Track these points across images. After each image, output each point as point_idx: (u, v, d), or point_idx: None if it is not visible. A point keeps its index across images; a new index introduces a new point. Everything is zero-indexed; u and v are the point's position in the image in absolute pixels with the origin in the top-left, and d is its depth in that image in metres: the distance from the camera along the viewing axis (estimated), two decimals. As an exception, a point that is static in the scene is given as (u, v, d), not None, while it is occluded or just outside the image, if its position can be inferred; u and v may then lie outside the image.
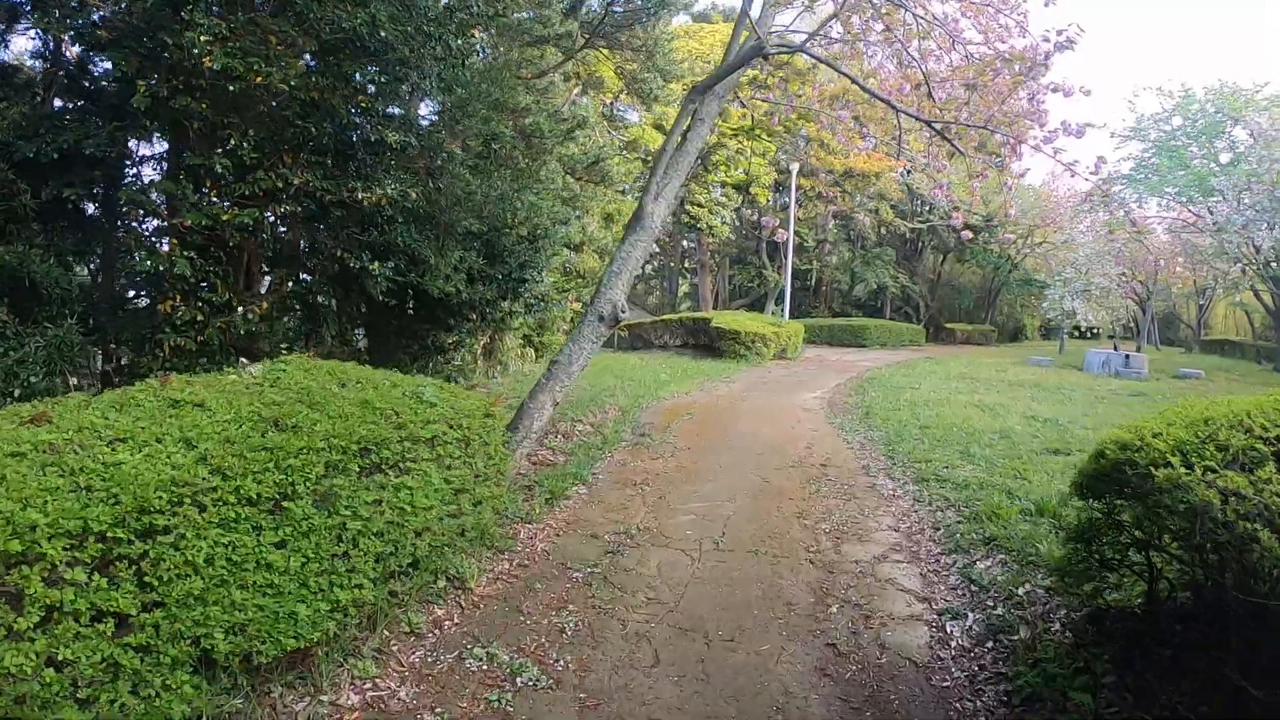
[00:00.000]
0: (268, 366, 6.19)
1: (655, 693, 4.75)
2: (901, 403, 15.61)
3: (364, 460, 4.92)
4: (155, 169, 10.35)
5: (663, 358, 25.39)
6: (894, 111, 11.13)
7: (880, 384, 19.30)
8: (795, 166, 31.83)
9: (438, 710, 4.52)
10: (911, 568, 6.77)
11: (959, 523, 7.79)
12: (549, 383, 7.53)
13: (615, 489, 9.07)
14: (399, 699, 4.63)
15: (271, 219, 9.64)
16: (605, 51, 18.63)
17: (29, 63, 10.88)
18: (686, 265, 52.41)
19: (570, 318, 28.90)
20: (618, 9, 16.38)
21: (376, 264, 9.78)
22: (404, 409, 5.59)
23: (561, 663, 5.11)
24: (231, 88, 7.89)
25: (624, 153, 29.10)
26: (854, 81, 9.25)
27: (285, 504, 4.23)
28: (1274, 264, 29.89)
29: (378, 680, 4.79)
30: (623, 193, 29.18)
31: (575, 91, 20.70)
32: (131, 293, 10.76)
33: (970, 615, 5.83)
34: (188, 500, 3.78)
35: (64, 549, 3.31)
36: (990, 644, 5.43)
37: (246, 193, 8.61)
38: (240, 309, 9.78)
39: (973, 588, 6.30)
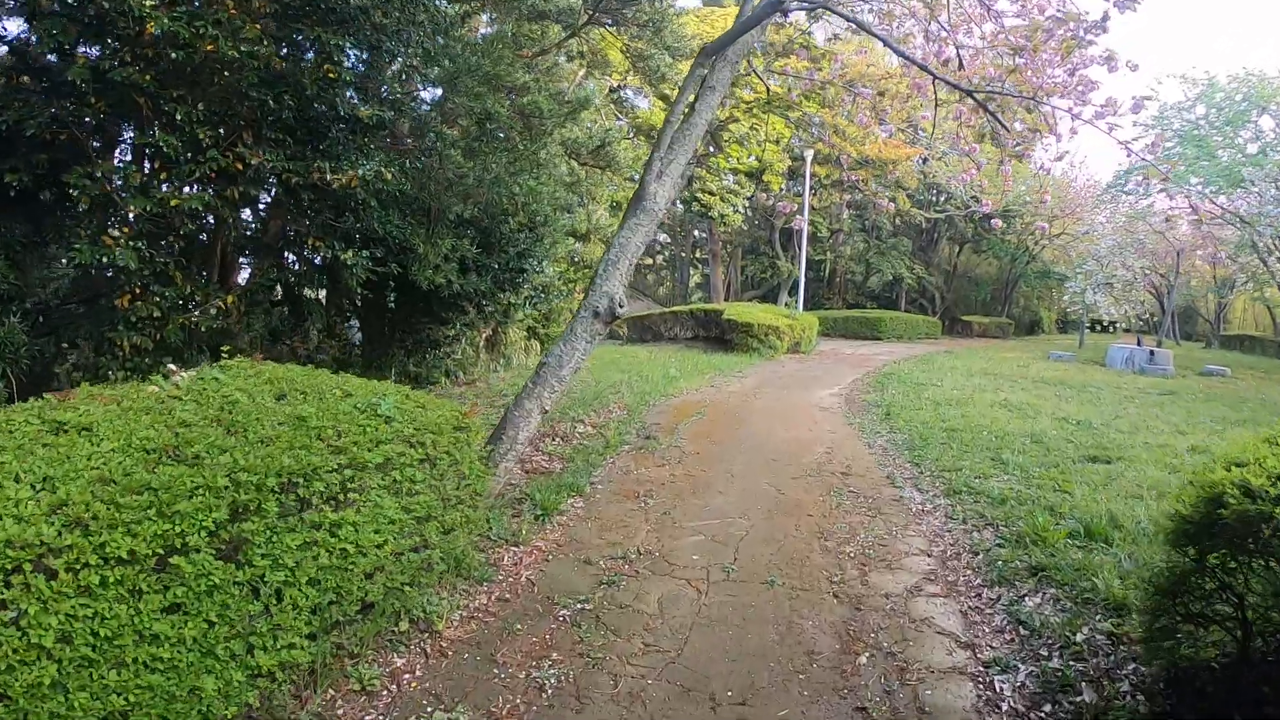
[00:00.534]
0: (199, 374, 5.34)
1: (648, 779, 3.89)
2: (923, 401, 14.70)
3: (288, 496, 4.04)
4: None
5: (672, 351, 24.50)
6: (918, 91, 10.28)
7: (899, 380, 18.37)
8: (810, 153, 30.85)
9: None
10: (949, 603, 5.87)
11: (999, 546, 6.90)
12: (536, 388, 6.63)
13: (615, 502, 8.19)
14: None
15: (236, 204, 8.70)
16: (611, 32, 17.71)
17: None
18: (699, 255, 51.50)
19: (578, 309, 28.11)
20: (623, -20, 15.52)
21: (351, 253, 8.91)
22: (350, 427, 4.72)
23: (537, 735, 4.25)
24: (175, 55, 7.02)
25: (633, 137, 28.19)
26: (884, 42, 8.29)
27: (174, 559, 3.36)
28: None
29: (310, 761, 3.93)
30: (631, 179, 28.31)
31: (581, 74, 19.82)
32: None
33: (1022, 668, 4.93)
34: (29, 567, 2.91)
35: None
36: (1048, 708, 4.53)
37: (199, 175, 7.74)
38: (206, 304, 8.97)
39: (1022, 631, 5.39)
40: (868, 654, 5.08)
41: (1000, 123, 8.23)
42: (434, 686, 4.66)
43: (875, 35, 8.32)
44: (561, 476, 8.87)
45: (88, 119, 7.98)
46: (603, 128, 17.61)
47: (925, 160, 36.27)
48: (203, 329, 8.90)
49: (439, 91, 11.80)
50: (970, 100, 8.19)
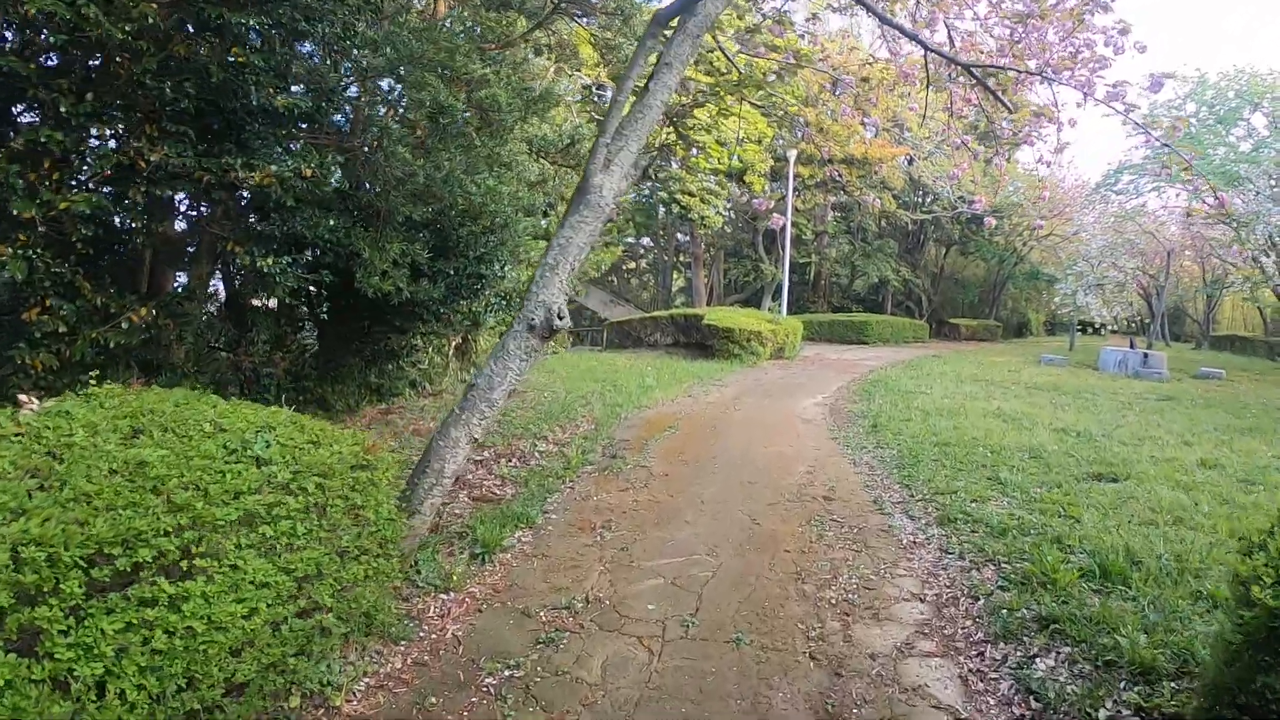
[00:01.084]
0: (55, 405, 4.43)
1: None
2: (912, 411, 13.83)
3: (101, 570, 3.14)
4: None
5: (651, 358, 23.63)
6: (906, 79, 9.46)
7: (886, 388, 17.49)
8: (793, 153, 30.03)
9: None
10: (947, 665, 4.98)
11: (1002, 589, 6.02)
12: (464, 414, 5.70)
13: (568, 535, 7.28)
14: None
15: (141, 207, 7.73)
16: (580, 24, 16.84)
17: None
18: (681, 260, 50.66)
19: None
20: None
21: (270, 259, 7.97)
22: (206, 475, 3.82)
23: None
24: (53, 39, 6.11)
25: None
26: (869, 9, 7.41)
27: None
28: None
29: None
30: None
31: (551, 70, 18.92)
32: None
33: (1038, 757, 4.07)
34: None
35: None
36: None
37: (93, 175, 6.81)
38: (122, 317, 8.07)
39: (1034, 703, 4.51)
40: (850, 738, 4.20)
41: (1001, 101, 7.35)
42: (315, 790, 3.77)
43: (862, 2, 7.43)
44: (511, 505, 7.96)
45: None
46: (573, 125, 16.65)
47: (911, 161, 35.63)
48: (114, 345, 7.98)
49: (388, 83, 10.89)
50: (964, 82, 7.34)
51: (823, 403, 15.55)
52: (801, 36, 9.77)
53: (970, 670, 4.91)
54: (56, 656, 2.90)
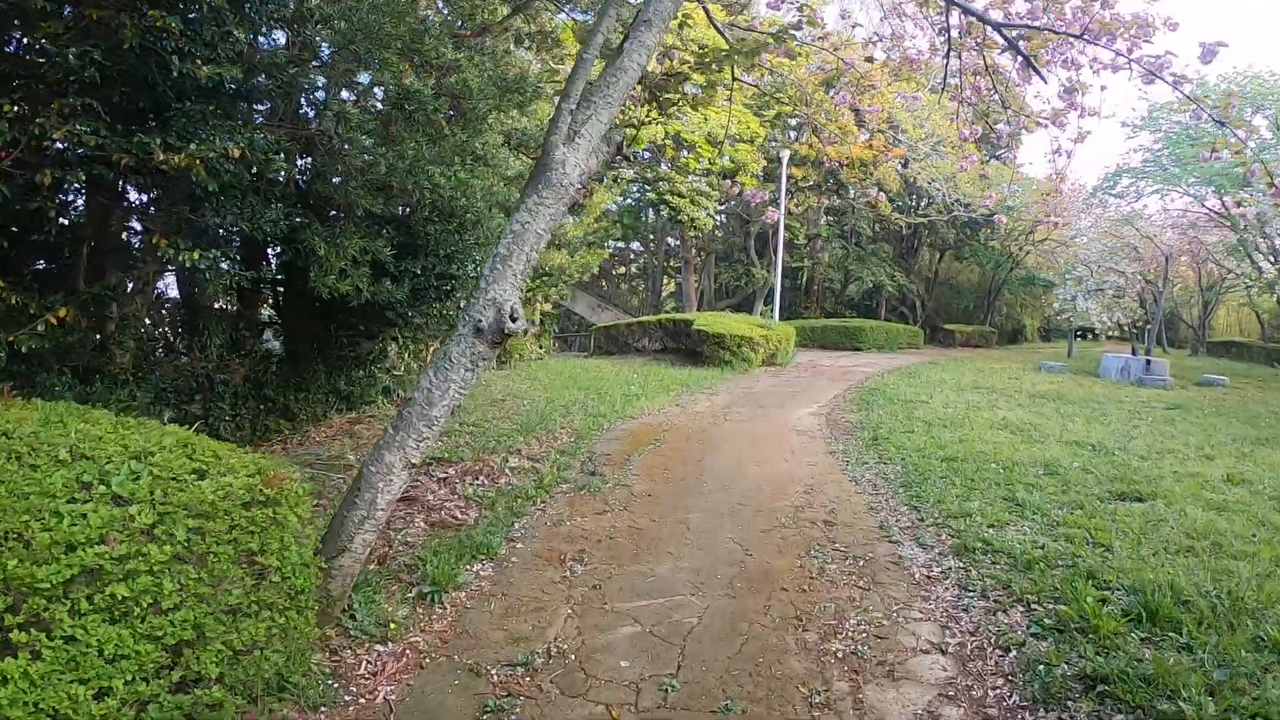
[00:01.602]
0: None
1: None
2: (914, 422, 12.95)
3: None
4: None
5: (639, 364, 22.74)
6: (913, 65, 8.66)
7: (885, 396, 16.59)
8: (785, 154, 29.22)
9: None
10: (980, 741, 4.12)
11: (1035, 637, 5.16)
12: (398, 435, 4.76)
13: (534, 569, 6.39)
14: None
15: (49, 191, 6.80)
16: (565, 12, 15.96)
17: None
18: (671, 264, 49.81)
19: (539, 320, 26.30)
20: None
21: (197, 253, 7.05)
22: (37, 519, 2.95)
23: None
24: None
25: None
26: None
27: None
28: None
29: None
30: (598, 179, 26.57)
31: (536, 63, 18.05)
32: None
33: None
34: None
35: None
36: None
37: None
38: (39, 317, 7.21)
39: (1093, 796, 3.66)
40: None
41: (1034, 68, 6.47)
42: None
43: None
44: (473, 531, 7.09)
45: None
46: (555, 118, 15.74)
47: (906, 164, 34.84)
48: (26, 350, 7.09)
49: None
50: (984, 51, 6.49)
51: (818, 413, 14.67)
52: (799, 22, 8.92)
53: (1009, 749, 4.04)
54: None
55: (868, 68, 8.68)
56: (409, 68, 10.09)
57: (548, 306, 27.01)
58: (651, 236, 47.89)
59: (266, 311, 13.20)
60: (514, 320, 4.67)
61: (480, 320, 4.67)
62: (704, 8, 7.41)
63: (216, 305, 11.82)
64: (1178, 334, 57.71)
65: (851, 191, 38.90)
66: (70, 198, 8.23)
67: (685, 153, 30.60)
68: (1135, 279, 33.70)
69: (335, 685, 4.47)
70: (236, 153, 6.78)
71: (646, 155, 35.41)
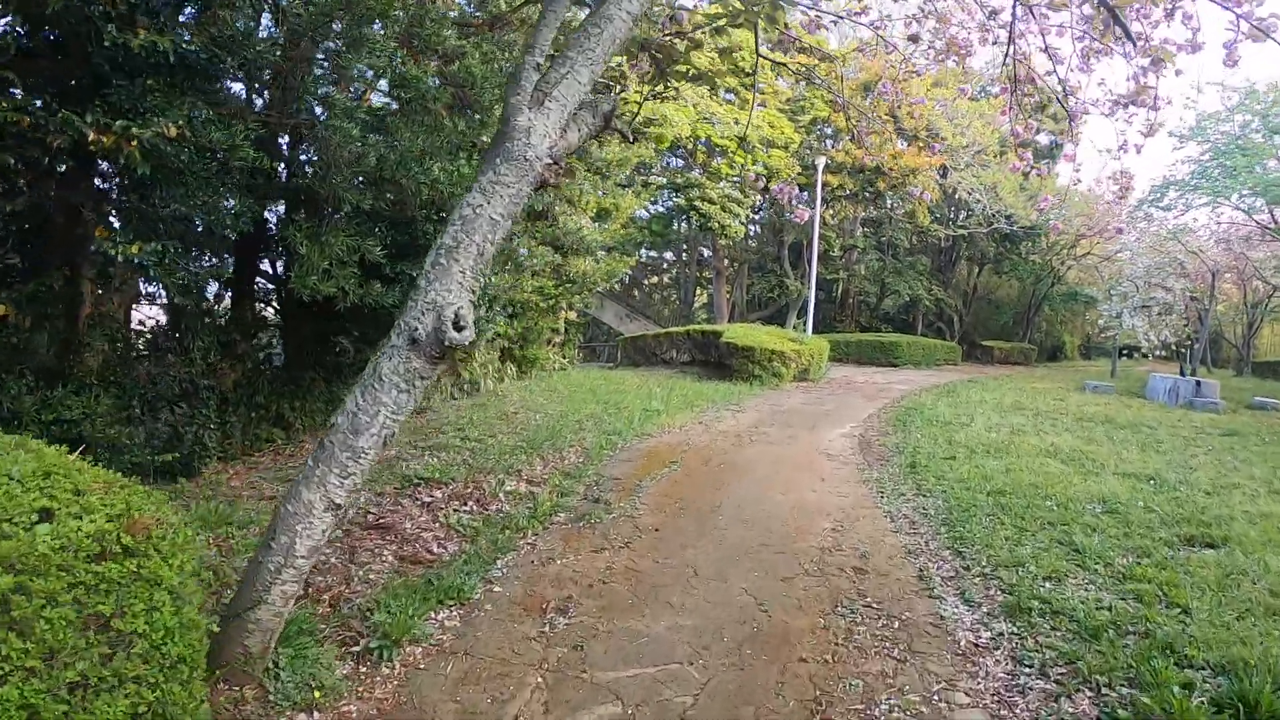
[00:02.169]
0: None
1: None
2: (955, 447, 11.87)
3: None
4: None
5: (664, 376, 21.81)
6: (964, 49, 7.72)
7: (922, 417, 15.49)
8: (821, 161, 28.18)
9: None
10: None
11: (1113, 733, 4.15)
12: (318, 468, 3.78)
13: (509, 620, 5.43)
14: None
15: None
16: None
17: None
18: (704, 275, 48.84)
19: (564, 327, 25.35)
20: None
21: (137, 245, 6.16)
22: None
23: None
24: None
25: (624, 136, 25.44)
26: None
27: None
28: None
29: None
30: (624, 185, 25.60)
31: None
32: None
33: None
34: None
35: None
36: None
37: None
38: None
39: None
40: None
41: (1122, 23, 5.44)
42: None
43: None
44: (447, 569, 6.15)
45: None
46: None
47: (945, 173, 33.72)
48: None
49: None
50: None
51: (851, 434, 13.62)
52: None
53: None
54: None
55: (911, 48, 7.66)
56: (409, 53, 9.26)
57: (572, 315, 26.07)
58: (685, 246, 46.99)
59: (269, 313, 12.44)
60: (459, 329, 3.67)
61: (417, 329, 3.68)
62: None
63: (203, 305, 11.02)
64: (1220, 353, 55.92)
65: (889, 201, 37.89)
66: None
67: (718, 158, 29.69)
68: (1182, 295, 32.38)
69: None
70: (173, 131, 5.85)
71: (679, 163, 34.57)
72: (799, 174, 31.68)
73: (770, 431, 13.49)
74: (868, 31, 8.63)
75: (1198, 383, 22.94)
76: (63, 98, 5.94)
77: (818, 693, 4.51)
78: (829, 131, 35.64)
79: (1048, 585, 6.16)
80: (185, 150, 6.19)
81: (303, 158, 8.98)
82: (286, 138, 9.39)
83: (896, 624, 5.52)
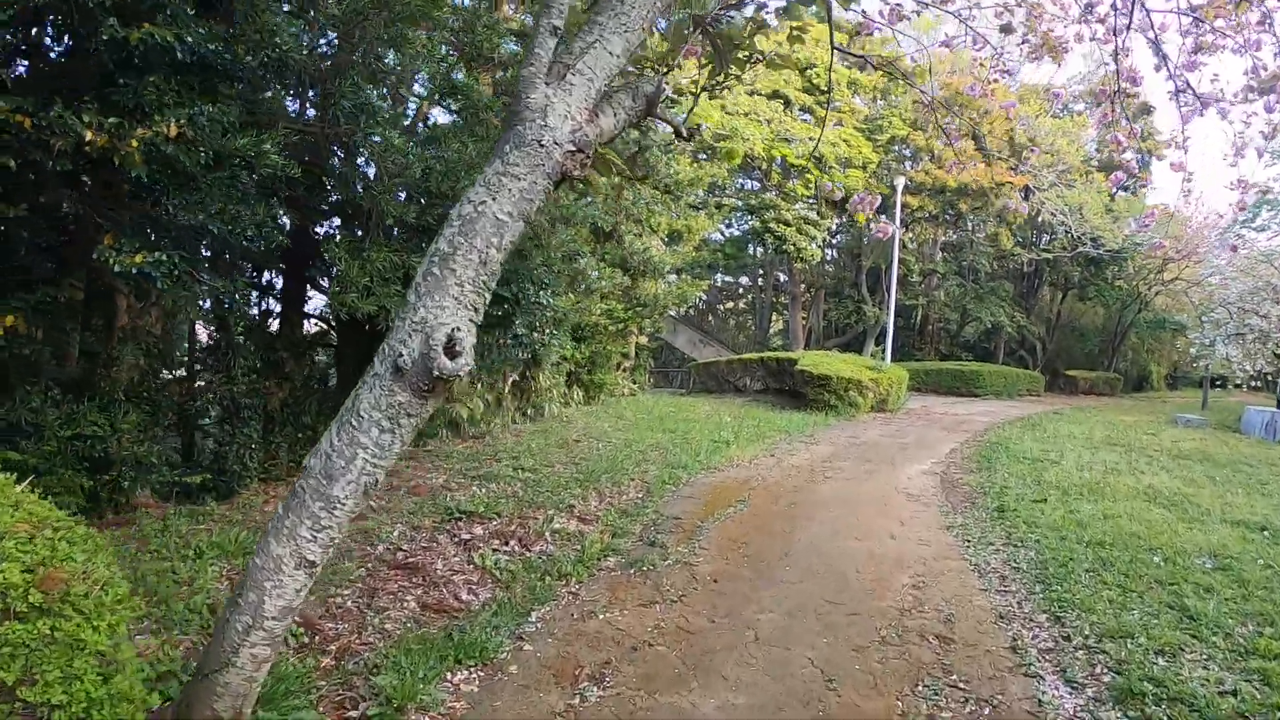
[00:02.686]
0: None
1: None
2: (1046, 488, 10.89)
3: None
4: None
5: (736, 405, 21.06)
6: (1060, 43, 6.99)
7: (1009, 453, 14.44)
8: (900, 181, 27.14)
9: None
10: None
11: None
12: (288, 517, 3.08)
13: (534, 688, 4.72)
14: None
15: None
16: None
17: None
18: (780, 300, 47.96)
19: (634, 352, 24.72)
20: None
21: (141, 255, 5.61)
22: None
23: None
24: None
25: (695, 154, 24.82)
26: None
27: None
28: None
29: None
30: (697, 207, 24.97)
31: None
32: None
33: None
34: None
35: None
36: None
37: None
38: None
39: None
40: None
41: None
42: None
43: None
44: (475, 620, 5.49)
45: None
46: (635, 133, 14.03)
47: (1028, 194, 32.47)
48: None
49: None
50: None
51: (932, 470, 12.69)
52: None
53: None
54: None
55: (1002, 40, 6.86)
56: (460, 59, 8.74)
57: (643, 339, 25.48)
58: (760, 270, 46.21)
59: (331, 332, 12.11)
60: (453, 355, 2.96)
61: (401, 355, 2.97)
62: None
63: (244, 323, 10.64)
64: (1293, 382, 53.40)
65: (970, 224, 36.70)
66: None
67: (793, 179, 28.92)
68: (1278, 323, 30.67)
69: None
70: (172, 131, 5.28)
71: (754, 184, 33.87)
72: (877, 192, 30.82)
73: (845, 466, 12.63)
74: (944, 49, 7.92)
75: (1299, 418, 21.55)
76: (66, 97, 5.46)
77: (895, 804, 3.74)
78: (908, 152, 34.69)
79: (1161, 662, 5.30)
80: (196, 154, 5.64)
81: (343, 169, 8.45)
82: (340, 151, 8.91)
83: (988, 710, 4.68)
